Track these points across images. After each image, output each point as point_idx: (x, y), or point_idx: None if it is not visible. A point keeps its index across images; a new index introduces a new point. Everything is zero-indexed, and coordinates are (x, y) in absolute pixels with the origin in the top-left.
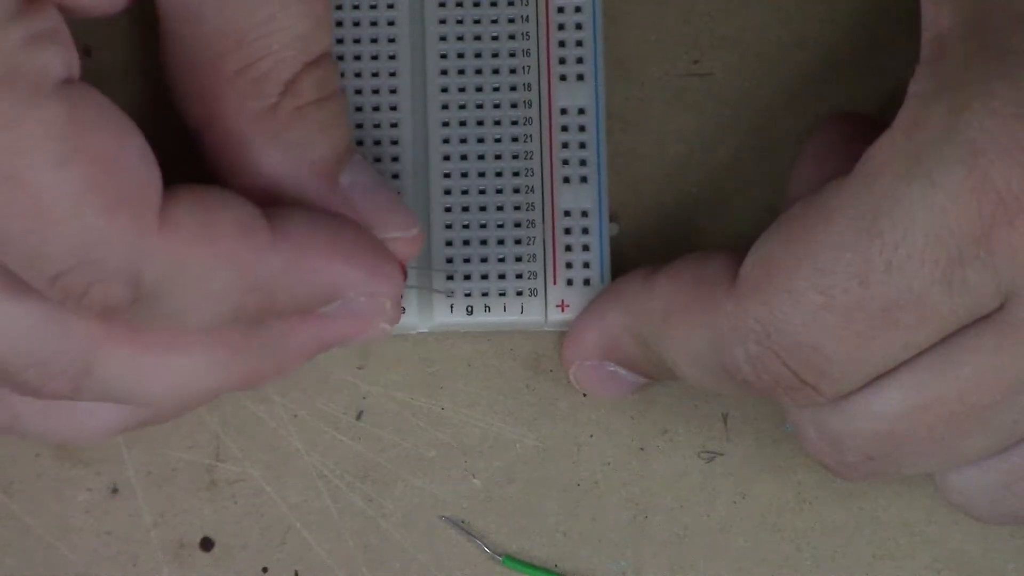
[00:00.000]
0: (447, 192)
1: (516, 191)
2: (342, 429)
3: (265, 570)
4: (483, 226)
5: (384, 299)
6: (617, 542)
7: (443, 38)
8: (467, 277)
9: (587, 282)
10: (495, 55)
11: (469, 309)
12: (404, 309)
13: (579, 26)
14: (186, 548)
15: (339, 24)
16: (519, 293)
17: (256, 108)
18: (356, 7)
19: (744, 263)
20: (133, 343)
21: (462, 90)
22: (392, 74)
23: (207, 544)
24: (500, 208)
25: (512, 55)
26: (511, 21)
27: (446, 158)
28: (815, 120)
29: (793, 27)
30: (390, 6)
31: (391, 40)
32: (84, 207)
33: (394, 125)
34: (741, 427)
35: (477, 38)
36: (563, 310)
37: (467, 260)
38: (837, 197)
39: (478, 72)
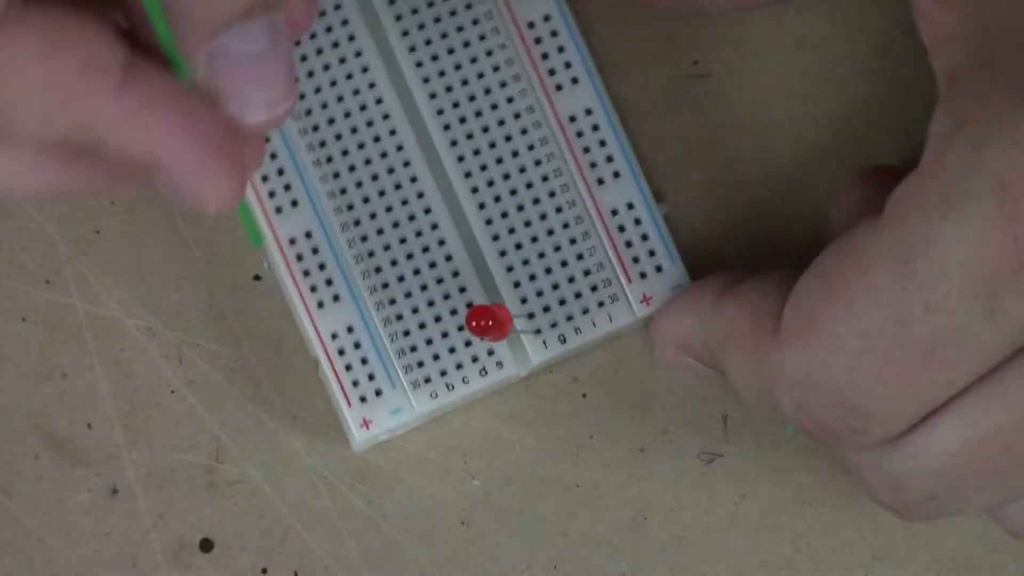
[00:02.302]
0: (495, 238)
1: (559, 210)
2: (342, 430)
3: (265, 571)
4: (542, 256)
5: (210, 194)
6: (617, 543)
7: (433, 95)
8: (546, 309)
9: (659, 268)
10: (487, 91)
11: (562, 338)
12: (500, 363)
13: (554, 33)
14: (186, 549)
15: (324, 106)
16: (600, 304)
17: None
18: (334, 83)
19: (784, 311)
20: None
21: (470, 136)
22: (400, 148)
23: (207, 545)
24: (551, 232)
25: (503, 85)
26: (489, 54)
27: (481, 206)
28: (814, 120)
29: (793, 27)
30: (365, 69)
31: (385, 117)
32: None
33: (421, 195)
34: (741, 428)
35: (464, 83)
36: (648, 303)
37: (540, 294)
38: (868, 240)
39: (478, 115)
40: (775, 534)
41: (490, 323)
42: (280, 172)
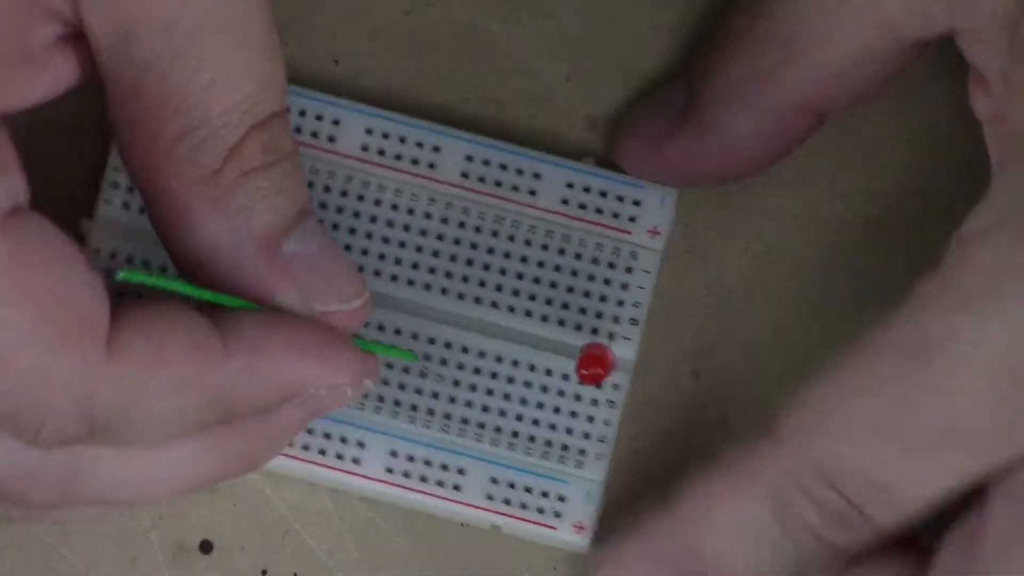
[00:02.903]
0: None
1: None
2: None
3: (264, 572)
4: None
5: (345, 387)
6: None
7: None
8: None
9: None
10: None
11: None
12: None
13: None
14: (185, 550)
15: None
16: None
17: (197, 175)
18: None
19: (781, 412)
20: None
21: None
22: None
23: (206, 546)
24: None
25: None
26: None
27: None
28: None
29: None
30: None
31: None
32: (27, 346)
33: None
34: (742, 430)
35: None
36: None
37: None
38: (884, 333)
39: None
40: None
41: (599, 371)
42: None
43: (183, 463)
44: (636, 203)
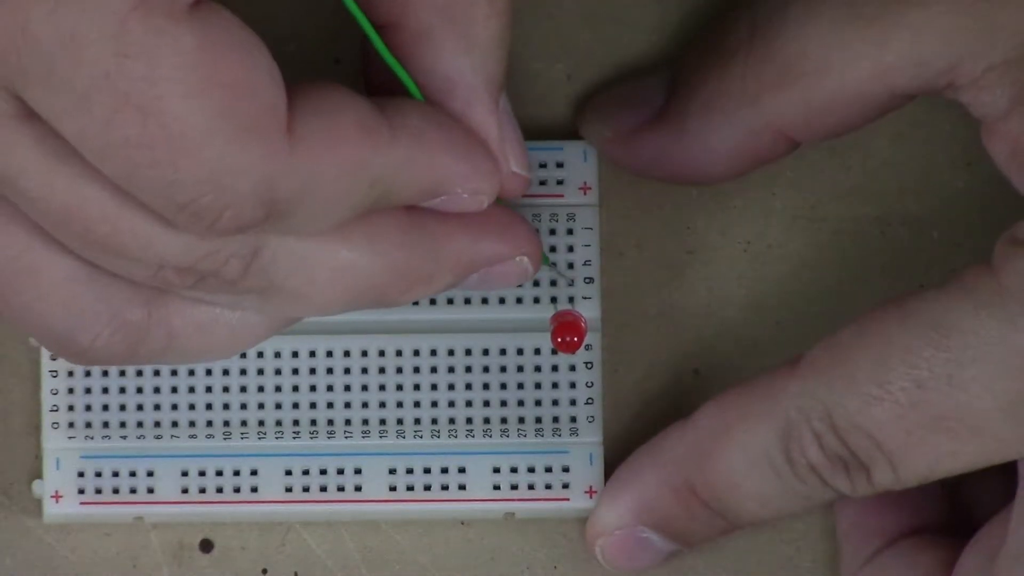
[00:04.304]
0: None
1: None
2: None
3: (265, 572)
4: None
5: (484, 196)
6: None
7: None
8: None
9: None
10: None
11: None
12: None
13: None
14: (186, 549)
15: None
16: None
17: (452, 6)
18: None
19: (814, 347)
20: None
21: None
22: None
23: (207, 545)
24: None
25: None
26: None
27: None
28: None
29: None
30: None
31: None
32: (215, 136)
33: None
34: None
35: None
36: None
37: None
38: (917, 302)
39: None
40: (775, 534)
41: (575, 338)
42: None
43: (353, 257)
44: (560, 165)
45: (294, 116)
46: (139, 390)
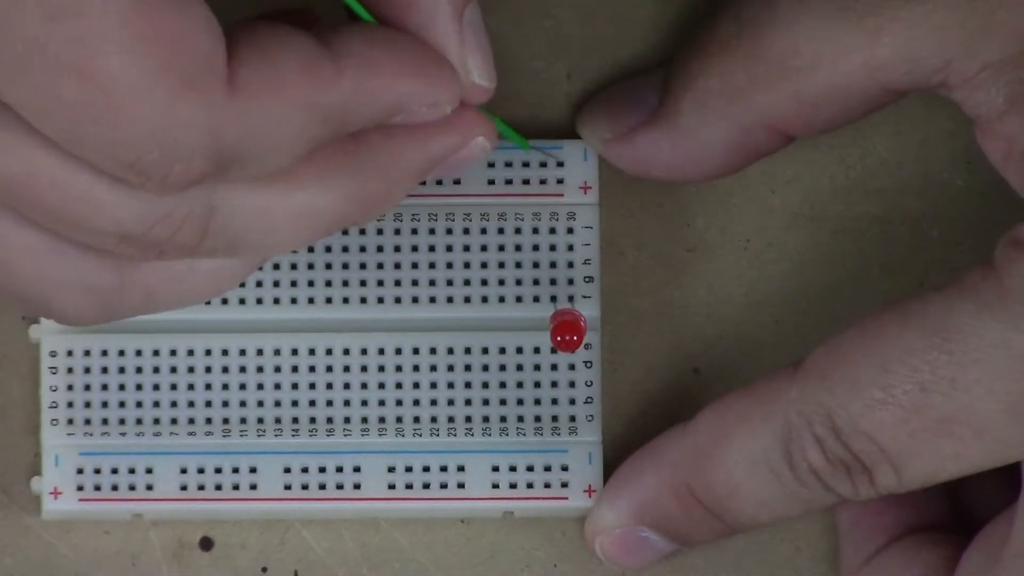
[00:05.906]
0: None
1: None
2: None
3: (265, 570)
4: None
5: (444, 105)
6: None
7: None
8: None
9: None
10: None
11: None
12: None
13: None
14: (186, 548)
15: None
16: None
17: None
18: None
19: (814, 351)
20: (247, 183)
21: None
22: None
23: (206, 544)
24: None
25: None
26: None
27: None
28: None
29: None
30: None
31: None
32: (153, 91)
33: None
34: None
35: None
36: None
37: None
38: (918, 304)
39: None
40: (775, 533)
41: (575, 337)
42: None
43: (308, 196)
44: (560, 164)
45: (234, 63)
46: (138, 387)
